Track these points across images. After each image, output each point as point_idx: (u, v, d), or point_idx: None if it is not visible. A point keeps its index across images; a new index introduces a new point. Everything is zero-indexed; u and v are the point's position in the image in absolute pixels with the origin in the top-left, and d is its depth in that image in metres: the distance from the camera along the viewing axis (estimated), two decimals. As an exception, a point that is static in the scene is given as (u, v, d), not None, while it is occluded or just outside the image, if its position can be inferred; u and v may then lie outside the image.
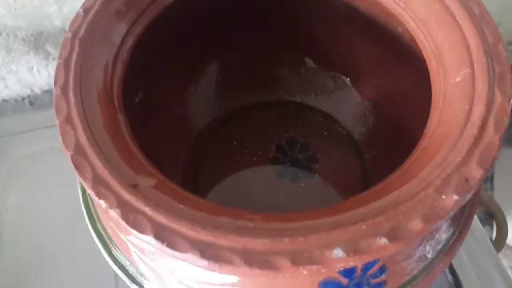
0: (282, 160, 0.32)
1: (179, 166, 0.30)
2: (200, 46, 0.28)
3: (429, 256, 0.20)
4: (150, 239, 0.16)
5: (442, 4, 0.21)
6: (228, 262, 0.15)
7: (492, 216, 0.41)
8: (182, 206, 0.16)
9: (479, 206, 0.41)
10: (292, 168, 0.31)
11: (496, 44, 0.19)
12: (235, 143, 0.32)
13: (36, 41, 0.37)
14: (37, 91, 0.43)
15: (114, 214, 0.16)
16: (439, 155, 0.17)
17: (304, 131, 0.32)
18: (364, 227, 0.15)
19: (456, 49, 0.20)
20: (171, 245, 0.15)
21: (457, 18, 0.20)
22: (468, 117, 0.18)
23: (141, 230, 0.16)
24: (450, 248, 0.21)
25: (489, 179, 0.48)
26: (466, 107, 0.18)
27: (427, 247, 0.20)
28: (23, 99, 0.44)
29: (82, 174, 0.17)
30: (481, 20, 0.20)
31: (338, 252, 0.15)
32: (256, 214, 0.16)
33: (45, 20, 0.36)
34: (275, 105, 0.33)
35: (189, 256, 0.15)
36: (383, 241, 0.15)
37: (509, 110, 0.18)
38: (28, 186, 0.37)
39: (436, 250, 0.21)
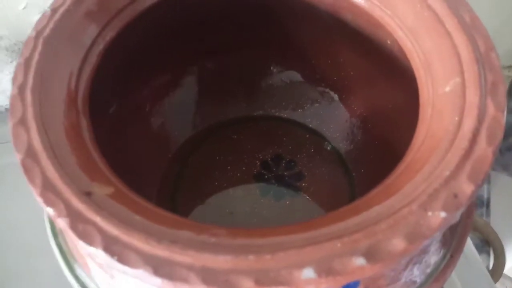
0: (266, 176, 0.30)
1: (157, 182, 0.29)
2: (180, 54, 0.27)
3: (417, 281, 0.19)
4: (99, 252, 0.14)
5: (431, 11, 0.20)
6: (184, 280, 0.13)
7: (488, 244, 0.39)
8: (138, 217, 0.15)
9: (474, 232, 0.40)
10: (276, 185, 0.30)
11: (488, 52, 0.18)
12: (218, 158, 0.31)
13: (20, 50, 0.36)
14: (21, 102, 0.42)
15: (63, 223, 0.14)
16: (426, 168, 0.16)
17: (290, 147, 0.31)
18: (339, 244, 0.14)
19: (445, 58, 0.18)
20: (121, 259, 0.14)
21: (447, 26, 0.19)
22: (458, 128, 0.16)
23: (90, 241, 0.14)
24: (440, 273, 0.20)
25: (485, 204, 0.46)
26: (456, 118, 0.17)
27: (415, 271, 0.18)
28: (6, 110, 0.42)
29: (31, 179, 0.15)
30: (472, 28, 0.19)
31: (308, 273, 0.13)
32: (222, 229, 0.15)
33: (28, 29, 0.34)
34: (260, 120, 0.32)
35: (140, 272, 0.14)
36: (360, 261, 0.14)
37: (503, 121, 0.17)
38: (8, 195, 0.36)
39: (425, 274, 0.19)
